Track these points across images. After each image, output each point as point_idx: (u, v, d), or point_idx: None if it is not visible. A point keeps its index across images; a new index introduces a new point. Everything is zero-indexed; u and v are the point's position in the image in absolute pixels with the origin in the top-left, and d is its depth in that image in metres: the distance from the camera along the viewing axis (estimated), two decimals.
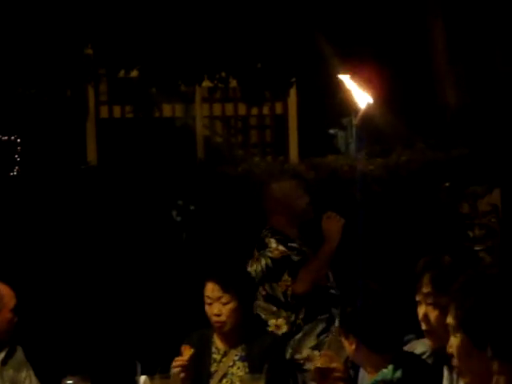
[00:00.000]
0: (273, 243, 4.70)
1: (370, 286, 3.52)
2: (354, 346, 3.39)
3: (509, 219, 6.30)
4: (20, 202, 6.47)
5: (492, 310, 2.26)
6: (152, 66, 7.16)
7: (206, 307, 4.02)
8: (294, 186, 4.83)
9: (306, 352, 4.59)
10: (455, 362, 2.37)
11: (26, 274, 6.11)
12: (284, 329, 4.62)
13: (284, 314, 4.63)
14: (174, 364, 3.89)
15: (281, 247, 4.68)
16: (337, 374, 3.45)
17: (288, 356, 4.52)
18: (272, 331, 4.54)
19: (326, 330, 4.62)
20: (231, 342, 4.03)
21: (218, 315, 3.96)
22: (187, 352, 3.90)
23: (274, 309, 4.64)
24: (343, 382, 3.44)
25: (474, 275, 2.50)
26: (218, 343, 4.07)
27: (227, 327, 3.98)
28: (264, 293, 4.65)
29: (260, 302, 4.64)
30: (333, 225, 4.67)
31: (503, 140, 6.73)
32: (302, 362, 4.60)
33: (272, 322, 4.64)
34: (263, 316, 4.65)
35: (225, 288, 3.97)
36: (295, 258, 4.66)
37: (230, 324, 3.97)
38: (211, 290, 3.99)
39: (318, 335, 4.60)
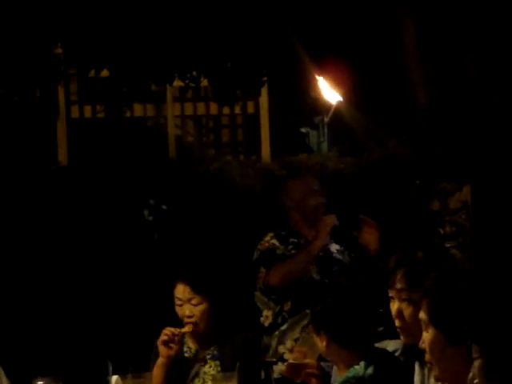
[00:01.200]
0: (268, 236, 4.73)
1: (340, 282, 3.53)
2: (325, 343, 3.40)
3: (479, 216, 6.34)
4: None
5: (463, 305, 2.27)
6: (122, 65, 7.13)
7: (177, 308, 3.99)
8: (306, 184, 4.79)
9: (289, 343, 4.61)
10: (427, 357, 2.38)
11: None
12: (270, 320, 4.64)
13: (272, 305, 4.65)
14: (164, 332, 3.87)
15: (273, 241, 4.69)
16: (309, 370, 3.46)
17: (273, 347, 4.56)
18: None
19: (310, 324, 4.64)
20: (203, 342, 4.02)
21: (190, 316, 3.95)
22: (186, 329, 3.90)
23: (266, 300, 4.67)
24: (315, 378, 3.45)
25: (445, 271, 2.52)
26: (189, 343, 4.06)
27: (199, 328, 3.97)
28: (259, 284, 4.69)
29: (257, 293, 4.69)
30: (325, 222, 4.69)
31: (473, 137, 6.77)
32: (282, 354, 4.61)
33: (264, 312, 4.68)
34: (260, 306, 4.69)
35: (196, 289, 3.95)
36: (280, 251, 4.67)
37: (203, 325, 3.96)
38: (182, 291, 3.97)
39: (303, 328, 4.61)
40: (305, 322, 4.61)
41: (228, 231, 6.52)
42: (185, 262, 5.20)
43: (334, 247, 4.80)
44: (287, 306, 4.63)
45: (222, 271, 4.57)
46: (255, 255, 4.74)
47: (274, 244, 4.69)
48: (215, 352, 4.00)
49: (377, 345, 3.59)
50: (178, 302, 3.98)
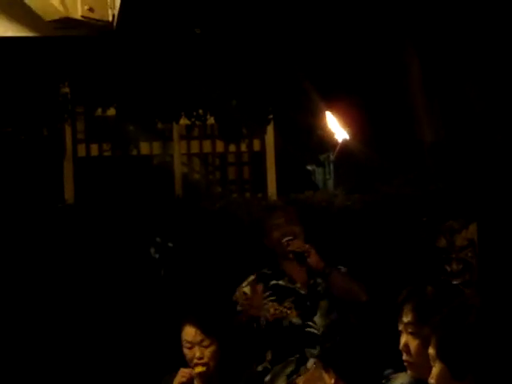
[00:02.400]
0: (245, 282, 4.63)
1: (349, 320, 3.52)
2: (333, 381, 3.39)
3: (485, 253, 6.32)
4: None
5: (469, 341, 2.28)
6: (129, 103, 7.18)
7: (186, 351, 3.96)
8: (271, 219, 4.72)
9: None
10: None
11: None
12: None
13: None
14: (181, 373, 3.84)
15: (245, 289, 4.58)
16: None
17: None
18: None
19: (295, 372, 4.51)
20: (211, 382, 3.99)
21: (201, 358, 3.92)
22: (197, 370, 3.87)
23: None
24: None
25: (454, 307, 2.53)
26: (197, 381, 4.04)
27: (210, 370, 3.94)
28: None
29: None
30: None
31: (479, 175, 6.78)
32: None
33: None
34: None
35: (206, 331, 3.93)
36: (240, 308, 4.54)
37: (213, 367, 3.94)
38: (191, 333, 3.94)
39: (288, 376, 4.53)
40: (289, 369, 4.50)
41: (234, 269, 6.50)
42: (193, 303, 5.17)
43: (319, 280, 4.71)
44: (268, 356, 4.52)
45: (230, 310, 4.55)
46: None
47: (245, 293, 4.55)
48: None
49: (384, 381, 3.57)
50: (187, 345, 3.95)
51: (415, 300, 3.02)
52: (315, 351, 4.37)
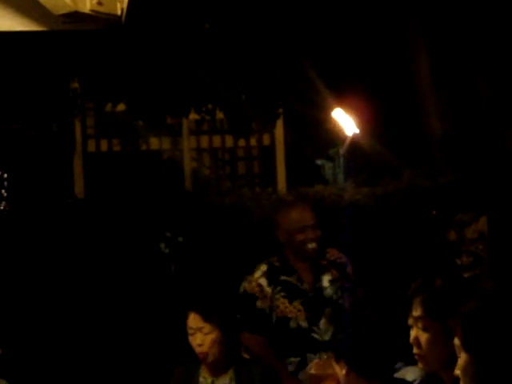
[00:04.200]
0: (259, 270, 4.60)
1: (362, 312, 3.52)
2: (344, 371, 3.39)
3: (496, 246, 6.31)
4: (8, 237, 6.45)
5: (495, 332, 2.29)
6: (138, 99, 7.19)
7: (189, 338, 4.00)
8: (297, 218, 4.60)
9: None
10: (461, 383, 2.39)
11: (11, 307, 6.09)
12: None
13: None
14: None
15: (261, 280, 4.54)
16: (329, 383, 3.46)
17: None
18: None
19: (293, 374, 4.48)
20: (217, 371, 4.01)
21: (200, 345, 3.95)
22: None
23: None
24: None
25: (479, 298, 2.54)
26: (204, 373, 4.05)
27: (210, 358, 3.96)
28: None
29: None
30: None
31: (489, 167, 6.76)
32: None
33: None
34: None
35: (206, 318, 3.95)
36: (260, 305, 4.52)
37: (213, 355, 3.95)
38: (192, 319, 3.98)
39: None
40: (289, 370, 4.46)
41: (244, 263, 6.51)
42: (196, 291, 5.19)
43: (327, 278, 4.67)
44: None
45: (235, 300, 4.55)
46: (241, 289, 4.56)
47: (260, 285, 4.51)
48: (232, 382, 3.99)
49: (396, 374, 3.57)
50: (190, 331, 3.99)
51: (424, 294, 3.01)
52: (315, 357, 4.32)
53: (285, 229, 4.62)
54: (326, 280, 4.66)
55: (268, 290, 4.55)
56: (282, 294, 4.55)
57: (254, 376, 3.98)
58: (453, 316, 2.51)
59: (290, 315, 4.54)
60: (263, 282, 4.55)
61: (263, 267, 4.60)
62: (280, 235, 4.67)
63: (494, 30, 6.90)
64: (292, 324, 4.54)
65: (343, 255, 4.60)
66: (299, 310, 4.56)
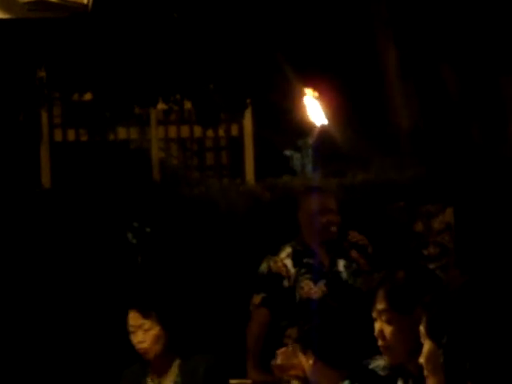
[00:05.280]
0: (284, 251, 4.65)
1: (327, 302, 3.54)
2: (311, 362, 3.40)
3: (462, 237, 6.36)
4: None
5: (456, 318, 2.31)
6: (106, 88, 7.14)
7: (131, 336, 3.96)
8: (319, 200, 4.71)
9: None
10: (425, 371, 2.40)
11: None
12: None
13: None
14: None
15: (287, 261, 4.61)
16: (294, 372, 3.48)
17: None
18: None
19: None
20: (161, 369, 3.97)
21: (141, 342, 3.91)
22: None
23: None
24: (299, 380, 3.47)
25: (443, 286, 2.55)
26: (151, 374, 4.02)
27: (152, 354, 3.92)
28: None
29: None
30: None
31: (455, 159, 6.80)
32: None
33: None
34: None
35: (145, 315, 3.92)
36: (287, 284, 4.58)
37: (155, 351, 3.92)
38: (132, 317, 3.94)
39: None
40: None
41: (212, 254, 6.50)
42: (135, 289, 5.13)
43: (341, 263, 4.74)
44: (288, 332, 4.50)
45: (257, 280, 4.56)
46: (263, 269, 4.62)
47: (286, 266, 4.59)
48: (178, 379, 3.96)
49: (371, 364, 3.58)
50: (131, 329, 3.95)
51: (387, 286, 3.02)
52: None
53: (309, 209, 4.67)
54: (341, 265, 4.74)
55: (292, 271, 4.61)
56: (307, 275, 4.60)
57: (199, 370, 3.95)
58: (418, 307, 2.52)
59: (314, 296, 4.56)
60: (288, 262, 4.62)
61: (288, 249, 4.66)
62: (302, 217, 4.71)
63: (462, 22, 6.93)
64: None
65: (364, 237, 4.67)
66: (323, 291, 4.60)
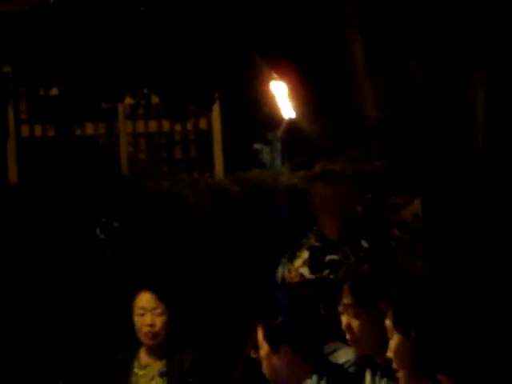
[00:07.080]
0: (299, 260, 4.29)
1: (295, 296, 3.54)
2: (278, 356, 3.40)
3: (429, 228, 6.40)
4: None
5: (424, 309, 2.31)
6: (72, 83, 7.09)
7: (138, 318, 3.96)
8: (347, 186, 4.58)
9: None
10: (394, 364, 2.41)
11: None
12: None
13: None
14: None
15: (302, 270, 4.24)
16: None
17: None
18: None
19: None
20: (155, 355, 4.00)
21: (152, 325, 3.92)
22: None
23: None
24: None
25: (407, 279, 2.56)
26: (141, 358, 4.03)
27: (158, 339, 3.95)
28: None
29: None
30: None
31: (423, 151, 6.84)
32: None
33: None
34: None
35: (160, 298, 3.94)
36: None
37: (161, 335, 3.95)
38: (147, 299, 3.95)
39: None
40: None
41: (180, 248, 6.50)
42: (149, 271, 5.16)
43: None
44: None
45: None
46: (278, 275, 4.27)
47: (302, 275, 4.21)
48: (163, 369, 3.98)
49: (331, 357, 3.58)
50: (140, 312, 3.95)
51: (352, 280, 3.02)
52: None
53: (330, 196, 4.46)
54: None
55: (311, 277, 4.24)
56: (332, 276, 4.17)
57: (185, 361, 3.97)
58: (383, 300, 2.53)
59: None
60: (305, 271, 4.28)
61: (304, 254, 4.33)
62: (319, 203, 4.48)
63: (429, 12, 6.96)
64: None
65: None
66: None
